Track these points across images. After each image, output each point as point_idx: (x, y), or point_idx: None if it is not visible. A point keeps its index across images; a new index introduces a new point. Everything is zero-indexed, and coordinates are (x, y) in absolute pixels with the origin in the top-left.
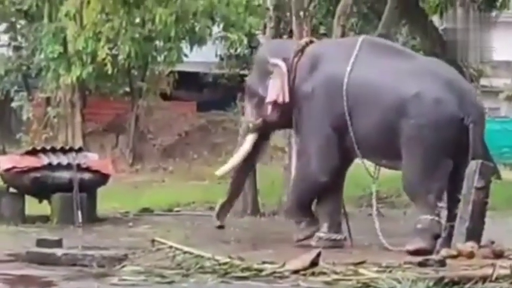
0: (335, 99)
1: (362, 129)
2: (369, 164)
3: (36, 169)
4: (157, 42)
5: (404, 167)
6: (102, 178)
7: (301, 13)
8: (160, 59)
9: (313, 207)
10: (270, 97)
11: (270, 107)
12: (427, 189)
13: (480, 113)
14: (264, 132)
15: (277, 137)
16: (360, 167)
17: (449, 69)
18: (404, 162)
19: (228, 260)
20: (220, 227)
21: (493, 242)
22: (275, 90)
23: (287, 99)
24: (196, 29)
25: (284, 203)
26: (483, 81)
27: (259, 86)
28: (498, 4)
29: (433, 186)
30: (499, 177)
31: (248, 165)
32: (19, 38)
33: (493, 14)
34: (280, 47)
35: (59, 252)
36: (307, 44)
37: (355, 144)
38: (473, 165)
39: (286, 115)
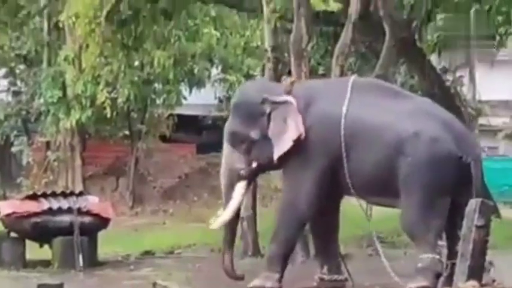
0: (331, 138)
1: (357, 167)
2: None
3: (36, 214)
4: (156, 85)
5: (402, 206)
6: (103, 222)
7: (300, 54)
8: (159, 101)
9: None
10: (296, 133)
11: (289, 145)
12: (427, 228)
13: (478, 153)
14: (251, 178)
15: (277, 179)
16: (359, 208)
17: (444, 110)
18: (402, 201)
19: None
20: (239, 278)
21: (494, 281)
22: (297, 126)
23: (302, 136)
24: (195, 71)
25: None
26: (481, 120)
27: (251, 130)
28: (495, 43)
29: (432, 224)
30: (498, 216)
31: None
32: (18, 82)
33: (491, 53)
34: (267, 87)
35: None
36: (292, 84)
37: (349, 182)
38: (473, 204)
39: (284, 156)
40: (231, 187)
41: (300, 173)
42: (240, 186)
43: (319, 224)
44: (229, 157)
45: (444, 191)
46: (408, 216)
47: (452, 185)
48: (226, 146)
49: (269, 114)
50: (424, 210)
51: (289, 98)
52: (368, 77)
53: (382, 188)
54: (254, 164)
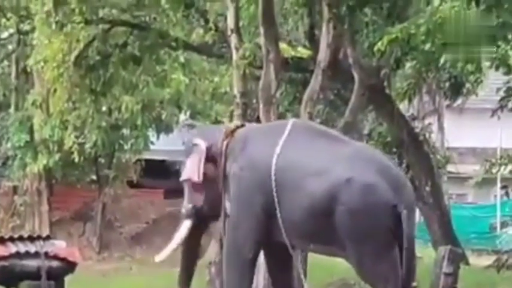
0: (263, 181)
1: (290, 213)
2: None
3: (3, 258)
4: (124, 130)
5: (350, 258)
6: (70, 266)
7: (269, 100)
8: (127, 147)
9: None
10: (185, 175)
11: (186, 188)
12: (384, 279)
13: (412, 201)
14: (198, 220)
15: None
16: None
17: (382, 155)
18: (348, 252)
19: None
20: None
21: None
22: (189, 168)
23: (199, 179)
24: (163, 116)
25: None
26: (450, 167)
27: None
28: (464, 91)
29: (388, 275)
30: (467, 263)
31: (192, 246)
32: None
33: (460, 100)
34: (210, 131)
35: None
36: (237, 128)
37: (282, 228)
38: (441, 251)
39: (212, 202)
40: (180, 223)
41: (237, 216)
42: (184, 224)
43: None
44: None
45: (386, 240)
46: (361, 269)
47: (391, 234)
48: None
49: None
50: (375, 262)
51: (200, 141)
52: (337, 124)
53: (315, 235)
54: (190, 205)
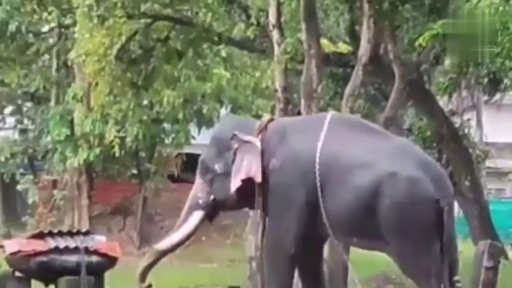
0: (306, 174)
1: (334, 206)
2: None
3: (42, 253)
4: (165, 124)
5: (393, 252)
6: (110, 261)
7: (310, 95)
8: (168, 141)
9: None
10: (245, 173)
11: (238, 184)
12: (426, 273)
13: (451, 196)
14: (211, 212)
15: None
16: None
17: (421, 151)
18: (392, 247)
19: None
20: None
21: None
22: (250, 167)
23: (259, 179)
24: (204, 111)
25: None
26: (488, 163)
27: (216, 163)
28: (502, 87)
29: (430, 269)
30: (506, 258)
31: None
32: (25, 120)
33: (498, 96)
34: (242, 124)
35: None
36: (269, 122)
37: (326, 221)
38: (481, 246)
39: (243, 196)
40: (189, 213)
41: (279, 211)
42: (197, 215)
43: (306, 272)
44: (196, 184)
45: (429, 233)
46: (403, 262)
47: (433, 227)
48: (197, 173)
49: (235, 151)
50: (417, 256)
51: (253, 139)
52: (377, 118)
53: (360, 229)
54: (211, 197)
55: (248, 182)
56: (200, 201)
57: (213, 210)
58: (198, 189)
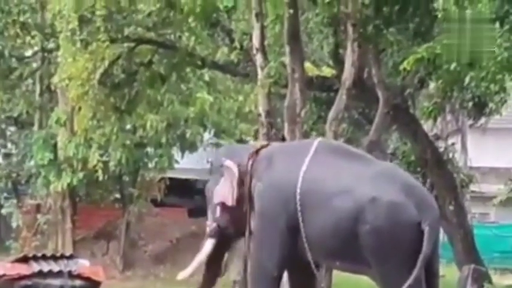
0: (288, 199)
1: (314, 231)
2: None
3: (27, 276)
4: (148, 148)
5: (376, 275)
6: (93, 285)
7: (293, 119)
8: (151, 165)
9: None
10: (217, 198)
11: (218, 210)
12: None
13: (437, 219)
14: (222, 239)
15: None
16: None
17: (406, 174)
18: (373, 270)
19: None
20: None
21: None
22: (223, 191)
23: (233, 203)
24: (187, 135)
25: None
26: (472, 187)
27: (213, 190)
28: (487, 111)
29: None
30: (490, 282)
31: (214, 265)
32: (9, 145)
33: (483, 120)
34: (236, 151)
35: None
36: (262, 147)
37: (307, 246)
38: (465, 270)
39: (238, 222)
40: (205, 241)
41: (261, 233)
42: (208, 244)
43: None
44: (208, 211)
45: (411, 259)
46: (387, 286)
47: (414, 252)
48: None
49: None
50: (400, 279)
51: (231, 164)
52: (361, 143)
53: (341, 253)
54: (214, 224)
55: (231, 209)
56: (208, 230)
57: (221, 237)
58: (208, 217)
